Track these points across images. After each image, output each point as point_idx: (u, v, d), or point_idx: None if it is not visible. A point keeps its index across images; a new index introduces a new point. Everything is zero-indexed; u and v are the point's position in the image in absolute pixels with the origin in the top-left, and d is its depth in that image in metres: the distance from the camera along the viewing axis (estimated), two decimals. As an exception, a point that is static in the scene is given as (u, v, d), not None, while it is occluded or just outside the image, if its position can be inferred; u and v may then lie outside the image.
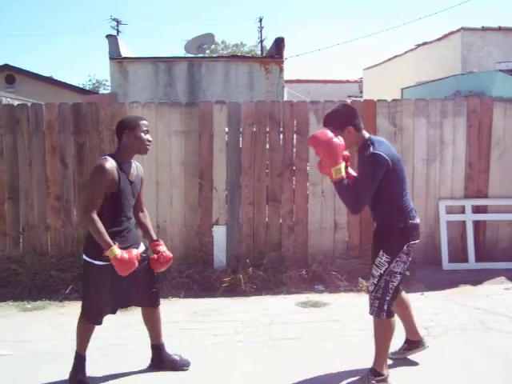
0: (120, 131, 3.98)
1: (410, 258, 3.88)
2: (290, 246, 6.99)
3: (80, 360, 4.06)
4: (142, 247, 4.19)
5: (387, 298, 3.82)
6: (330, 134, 3.72)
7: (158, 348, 4.33)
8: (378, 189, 3.74)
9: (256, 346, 4.78)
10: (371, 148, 3.73)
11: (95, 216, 3.77)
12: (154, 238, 4.29)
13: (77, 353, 4.07)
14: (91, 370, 4.12)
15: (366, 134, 3.90)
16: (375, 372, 3.89)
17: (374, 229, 4.07)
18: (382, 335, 3.88)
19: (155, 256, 4.16)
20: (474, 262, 7.11)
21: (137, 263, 3.82)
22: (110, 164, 3.83)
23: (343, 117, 3.86)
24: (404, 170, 3.88)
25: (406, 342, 4.36)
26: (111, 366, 4.35)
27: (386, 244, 3.85)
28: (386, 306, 3.82)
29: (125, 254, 3.76)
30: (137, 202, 4.19)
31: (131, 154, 4.02)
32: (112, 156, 3.94)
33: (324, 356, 4.52)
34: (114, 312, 4.14)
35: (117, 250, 3.74)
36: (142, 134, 3.95)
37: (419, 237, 3.96)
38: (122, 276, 3.86)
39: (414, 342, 4.33)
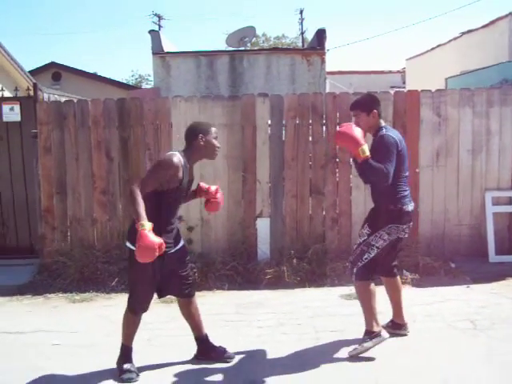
0: (191, 136, 4.09)
1: (391, 239, 4.33)
2: (334, 238, 6.96)
3: (126, 351, 4.16)
4: (181, 242, 4.28)
5: (359, 264, 4.35)
6: (348, 124, 4.33)
7: (201, 339, 4.39)
8: None
9: (300, 339, 4.79)
10: (384, 130, 4.32)
11: (137, 189, 3.81)
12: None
13: (123, 344, 4.16)
14: (136, 360, 4.20)
15: (383, 123, 4.47)
16: (367, 332, 4.35)
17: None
18: (361, 297, 4.41)
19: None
20: (522, 254, 6.96)
21: (155, 254, 3.67)
22: (178, 161, 3.92)
23: (371, 101, 4.44)
24: (406, 158, 4.40)
25: (390, 321, 4.75)
26: (156, 356, 4.43)
27: (372, 220, 4.44)
28: (355, 269, 4.37)
29: (152, 235, 3.66)
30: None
31: (199, 158, 4.18)
32: (183, 155, 4.03)
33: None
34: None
35: (147, 226, 3.69)
36: (214, 140, 4.09)
37: (407, 223, 4.39)
38: (161, 265, 3.95)
39: (397, 325, 4.72)
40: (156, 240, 3.66)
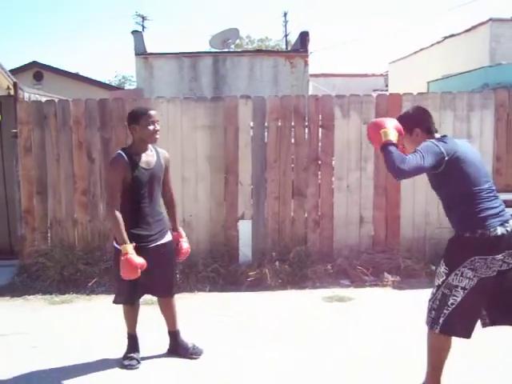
0: (128, 125, 4.21)
1: (482, 276, 3.30)
2: (316, 241, 6.98)
3: (130, 339, 4.38)
4: (168, 236, 4.34)
5: (445, 311, 3.40)
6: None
7: (173, 334, 4.50)
8: (445, 192, 3.54)
9: (281, 341, 4.79)
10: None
11: (115, 212, 3.98)
12: (178, 228, 4.52)
13: (127, 333, 4.40)
14: (111, 356, 4.23)
15: (437, 136, 3.63)
16: None
17: None
18: (432, 350, 3.53)
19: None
20: (502, 256, 6.98)
21: (138, 273, 3.93)
22: (120, 157, 4.06)
23: (411, 119, 3.68)
24: (477, 168, 3.46)
25: None
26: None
27: (447, 253, 3.52)
28: (441, 320, 3.41)
29: (133, 258, 3.90)
30: (163, 187, 4.41)
31: (143, 145, 4.18)
32: (124, 150, 4.16)
33: (348, 352, 4.51)
34: (136, 300, 4.36)
35: (129, 249, 3.91)
36: (148, 126, 4.09)
37: (501, 252, 3.31)
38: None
39: None
40: (138, 261, 3.91)
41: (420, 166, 3.27)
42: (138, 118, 4.10)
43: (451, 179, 3.41)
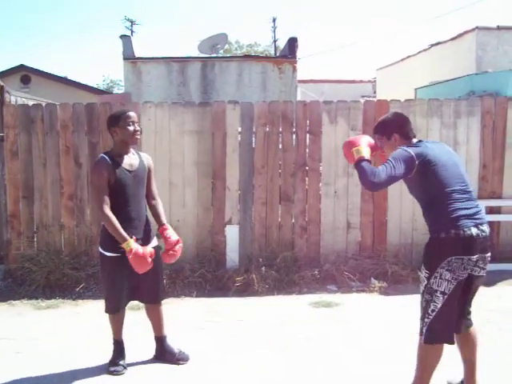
0: (108, 129, 4.21)
1: (459, 278, 3.34)
2: (303, 246, 6.99)
3: (116, 345, 4.36)
4: (154, 242, 4.32)
5: (426, 320, 3.42)
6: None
7: (159, 339, 4.49)
8: (419, 195, 3.59)
9: (268, 346, 4.78)
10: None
11: (108, 212, 3.97)
12: (162, 221, 4.38)
13: (113, 338, 4.37)
14: (98, 361, 4.26)
15: (414, 141, 3.68)
16: None
17: None
18: (421, 359, 3.51)
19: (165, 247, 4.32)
20: (487, 263, 7.01)
21: (150, 261, 3.97)
22: (103, 160, 4.08)
23: (390, 124, 3.74)
24: (450, 170, 3.47)
25: None
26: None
27: (426, 257, 3.52)
28: (425, 329, 3.42)
29: (140, 250, 3.92)
30: (148, 191, 4.38)
31: (124, 147, 4.19)
32: (106, 153, 4.18)
33: (335, 357, 4.52)
34: (123, 307, 4.35)
35: (132, 244, 3.91)
36: (128, 127, 4.10)
37: (475, 253, 3.35)
38: (128, 269, 4.03)
39: None
40: (145, 251, 3.98)
41: (391, 176, 3.34)
42: (117, 120, 4.11)
43: (423, 182, 3.47)
